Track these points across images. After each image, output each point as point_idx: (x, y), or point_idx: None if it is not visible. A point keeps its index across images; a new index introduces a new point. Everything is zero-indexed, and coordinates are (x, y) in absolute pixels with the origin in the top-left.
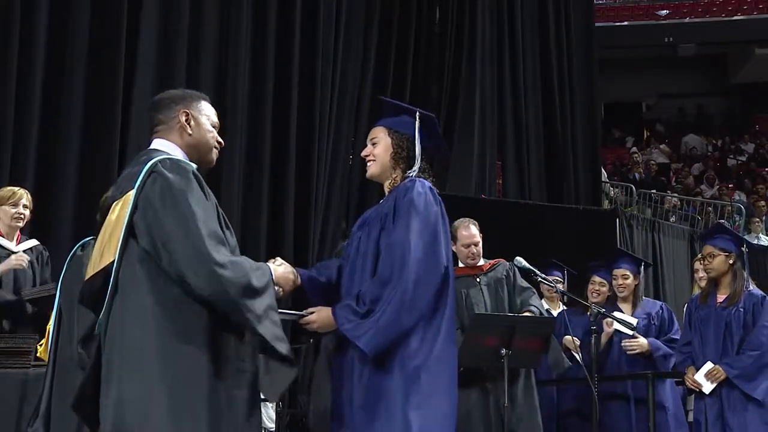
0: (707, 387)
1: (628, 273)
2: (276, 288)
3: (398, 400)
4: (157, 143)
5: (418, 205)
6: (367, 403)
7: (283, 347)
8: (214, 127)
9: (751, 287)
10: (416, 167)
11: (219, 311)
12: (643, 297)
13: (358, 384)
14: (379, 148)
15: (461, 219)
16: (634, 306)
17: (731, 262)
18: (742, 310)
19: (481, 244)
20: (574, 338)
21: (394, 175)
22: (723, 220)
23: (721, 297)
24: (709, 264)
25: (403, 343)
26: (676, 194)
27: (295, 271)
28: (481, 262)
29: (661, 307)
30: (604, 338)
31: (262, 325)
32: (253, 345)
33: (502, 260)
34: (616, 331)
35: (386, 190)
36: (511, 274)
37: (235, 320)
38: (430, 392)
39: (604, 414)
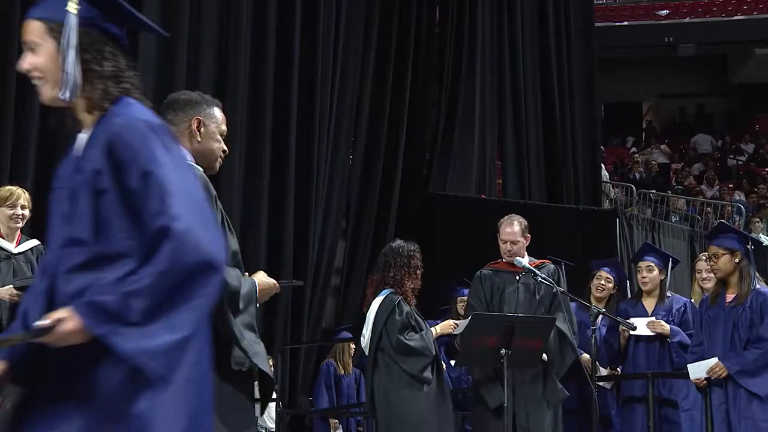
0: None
1: (653, 265)
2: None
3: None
4: None
5: (150, 148)
6: None
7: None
8: (221, 135)
9: (758, 285)
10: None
11: None
12: (670, 294)
13: None
14: (41, 57)
15: (509, 215)
16: (659, 301)
17: (737, 260)
18: (748, 309)
19: (522, 245)
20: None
21: (87, 98)
22: (723, 220)
23: (729, 297)
24: (715, 264)
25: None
26: (681, 195)
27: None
28: (527, 259)
29: (684, 304)
30: (622, 340)
31: None
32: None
33: (548, 262)
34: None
35: (83, 121)
36: (551, 282)
37: None
38: None
39: (620, 414)
